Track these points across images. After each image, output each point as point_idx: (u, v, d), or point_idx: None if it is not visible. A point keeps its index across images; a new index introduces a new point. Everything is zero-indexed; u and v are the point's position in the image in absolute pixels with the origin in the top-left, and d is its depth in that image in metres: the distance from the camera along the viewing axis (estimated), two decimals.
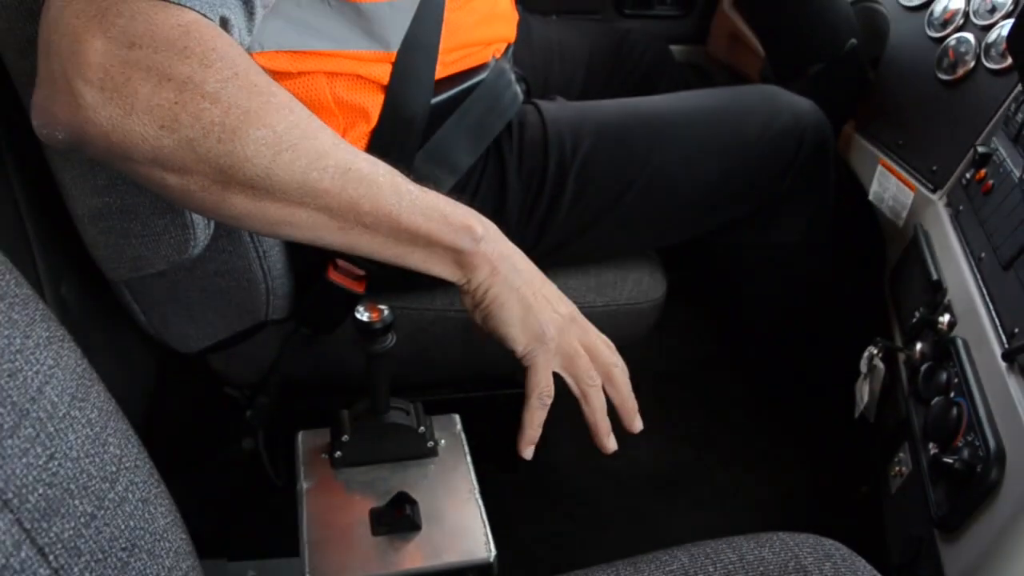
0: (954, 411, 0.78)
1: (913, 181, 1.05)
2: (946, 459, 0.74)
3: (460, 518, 0.80)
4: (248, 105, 0.56)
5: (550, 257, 1.03)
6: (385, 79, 0.86)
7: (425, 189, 0.67)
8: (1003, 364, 0.74)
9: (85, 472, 0.46)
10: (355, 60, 0.84)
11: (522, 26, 1.19)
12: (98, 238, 0.79)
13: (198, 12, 0.56)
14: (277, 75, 0.81)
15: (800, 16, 1.18)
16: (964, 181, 0.94)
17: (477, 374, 1.17)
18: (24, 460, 0.41)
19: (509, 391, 1.17)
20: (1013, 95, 0.92)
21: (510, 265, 0.71)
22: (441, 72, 0.91)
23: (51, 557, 0.42)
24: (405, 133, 0.90)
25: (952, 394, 0.80)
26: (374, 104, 0.87)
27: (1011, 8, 1.00)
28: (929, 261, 0.94)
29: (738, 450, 1.42)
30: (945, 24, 1.08)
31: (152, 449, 0.57)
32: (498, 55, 1.01)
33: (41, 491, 0.42)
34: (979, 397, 0.76)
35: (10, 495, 0.40)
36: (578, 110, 1.04)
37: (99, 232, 0.78)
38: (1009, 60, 0.95)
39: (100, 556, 0.45)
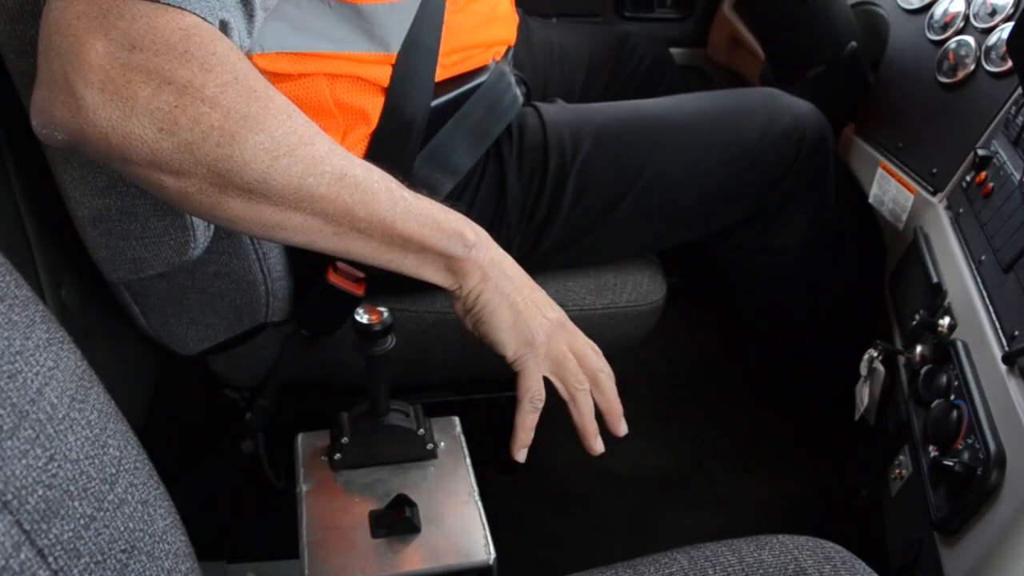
0: (954, 414, 0.78)
1: (913, 184, 1.05)
2: (946, 462, 0.74)
3: (460, 520, 0.80)
4: (247, 110, 0.57)
5: (550, 259, 1.03)
6: (385, 81, 0.86)
7: (419, 195, 0.68)
8: (1003, 367, 0.74)
9: (85, 474, 0.46)
10: (355, 62, 0.84)
11: (522, 29, 1.19)
12: (98, 240, 0.79)
13: (198, 16, 0.56)
14: (277, 77, 0.81)
15: (800, 19, 1.18)
16: (964, 184, 0.94)
17: (477, 376, 1.17)
18: (24, 462, 0.41)
19: (509, 394, 1.16)
20: (1013, 98, 0.92)
21: (500, 271, 0.72)
22: (441, 74, 0.91)
23: (51, 559, 0.42)
24: (405, 135, 0.90)
25: (952, 397, 0.80)
26: (374, 106, 0.87)
27: (1011, 11, 0.99)
28: (929, 264, 0.93)
29: (738, 453, 1.42)
30: (945, 27, 1.08)
31: (152, 451, 0.57)
32: (498, 58, 1.02)
33: (41, 493, 0.42)
34: (979, 400, 0.76)
35: (10, 496, 0.40)
36: (578, 113, 1.04)
37: (99, 234, 0.78)
38: (1009, 63, 0.95)
39: (100, 558, 0.45)
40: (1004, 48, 0.96)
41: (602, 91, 1.30)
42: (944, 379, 0.82)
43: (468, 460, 0.86)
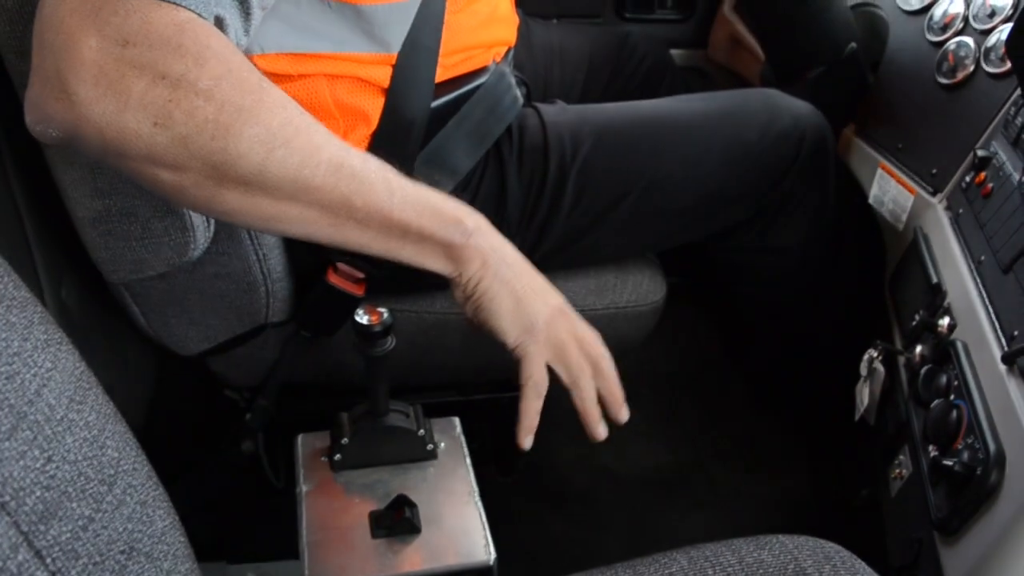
0: (954, 414, 0.78)
1: (913, 184, 1.05)
2: (946, 462, 0.74)
3: (460, 521, 0.80)
4: (241, 102, 0.57)
5: (550, 260, 1.03)
6: (385, 82, 0.87)
7: (417, 184, 0.68)
8: (1003, 367, 0.74)
9: (83, 475, 0.46)
10: (355, 62, 0.84)
11: (523, 30, 1.19)
12: (98, 241, 0.79)
13: (192, 11, 0.56)
14: (277, 78, 0.81)
15: (800, 20, 1.18)
16: (964, 184, 0.94)
17: (477, 377, 1.17)
18: (22, 463, 0.41)
19: (509, 394, 1.17)
20: (1012, 99, 0.92)
21: (500, 258, 0.72)
22: (441, 75, 0.91)
23: (49, 560, 0.42)
24: (405, 136, 0.90)
25: (952, 397, 0.80)
26: (374, 107, 0.87)
27: (1010, 12, 0.99)
28: (929, 264, 0.93)
29: (738, 452, 1.42)
30: (945, 28, 1.08)
31: (152, 452, 0.57)
32: (498, 59, 1.02)
33: (39, 494, 0.42)
34: (979, 400, 0.76)
35: (7, 498, 0.40)
36: (578, 113, 1.04)
37: (99, 235, 0.78)
38: (1008, 64, 0.95)
39: (98, 559, 0.45)
40: (1003, 49, 0.96)
41: (602, 92, 1.30)
42: (944, 379, 0.82)
43: (468, 460, 0.86)
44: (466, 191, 0.98)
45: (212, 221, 0.82)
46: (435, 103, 0.92)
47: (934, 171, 1.02)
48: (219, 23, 0.59)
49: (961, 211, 0.93)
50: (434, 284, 1.04)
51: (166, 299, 0.90)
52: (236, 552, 1.13)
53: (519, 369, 0.74)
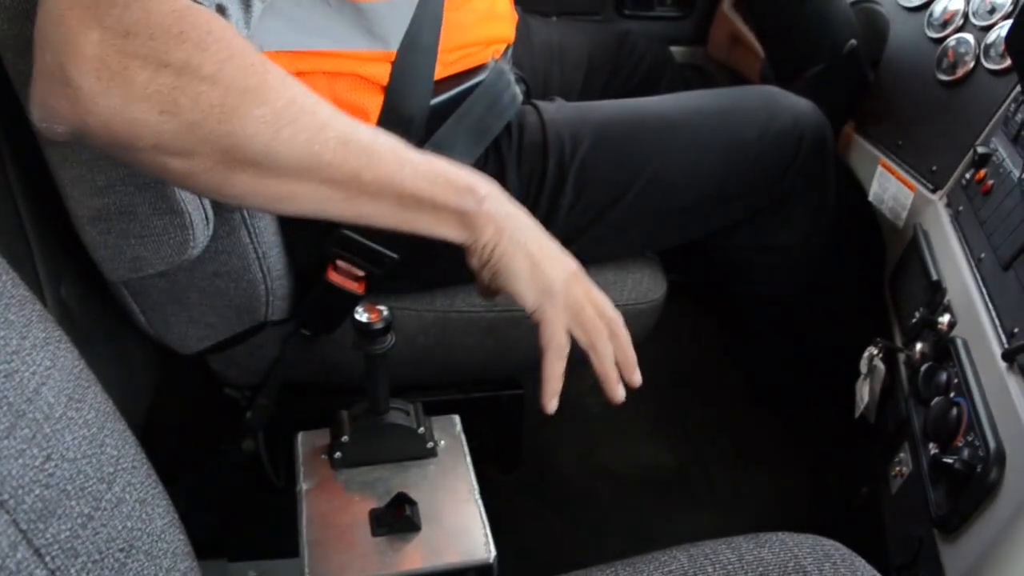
0: (954, 411, 0.78)
1: (913, 181, 1.05)
2: (946, 459, 0.74)
3: (460, 519, 0.80)
4: (246, 84, 0.57)
5: None
6: (385, 79, 0.87)
7: (427, 155, 0.68)
8: (1003, 364, 0.74)
9: (82, 473, 0.46)
10: (355, 59, 0.84)
11: (522, 27, 1.19)
12: (97, 239, 0.79)
13: None
14: None
15: (800, 17, 1.18)
16: (964, 181, 0.94)
17: (477, 375, 1.17)
18: (20, 461, 0.41)
19: (509, 392, 1.17)
20: (1012, 95, 0.92)
21: (514, 223, 0.72)
22: (441, 72, 0.91)
23: (48, 558, 0.42)
24: (404, 133, 0.89)
25: (952, 394, 0.80)
26: (374, 104, 0.87)
27: (1010, 9, 0.99)
28: (929, 261, 0.93)
29: (738, 450, 1.42)
30: (945, 25, 1.08)
31: (152, 450, 0.57)
32: (497, 56, 1.01)
33: (38, 492, 0.42)
34: (979, 397, 0.75)
35: (6, 496, 0.40)
36: (578, 111, 1.04)
37: (98, 233, 0.78)
38: (1008, 61, 0.95)
39: (97, 557, 0.45)
40: (1003, 46, 0.96)
41: (602, 89, 1.30)
42: (944, 376, 0.82)
43: (468, 458, 0.86)
44: None
45: (211, 219, 0.82)
46: (434, 100, 0.92)
47: (934, 168, 1.01)
48: (220, 12, 0.59)
49: (961, 208, 0.93)
50: (434, 282, 1.04)
51: (166, 297, 0.90)
52: (236, 550, 1.13)
53: (539, 333, 0.74)
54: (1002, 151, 0.88)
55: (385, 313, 0.75)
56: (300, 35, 0.80)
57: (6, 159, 0.78)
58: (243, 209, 0.85)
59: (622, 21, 1.55)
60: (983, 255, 0.85)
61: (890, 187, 1.10)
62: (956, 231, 0.93)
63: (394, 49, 0.86)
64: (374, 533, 0.78)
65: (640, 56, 1.33)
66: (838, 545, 0.66)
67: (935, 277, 0.91)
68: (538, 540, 1.27)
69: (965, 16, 1.05)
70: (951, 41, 1.05)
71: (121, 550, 0.47)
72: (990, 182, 0.87)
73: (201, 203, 0.80)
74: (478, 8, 0.96)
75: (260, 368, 1.03)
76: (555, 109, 1.04)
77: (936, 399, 0.81)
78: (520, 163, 0.99)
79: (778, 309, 1.25)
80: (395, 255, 0.91)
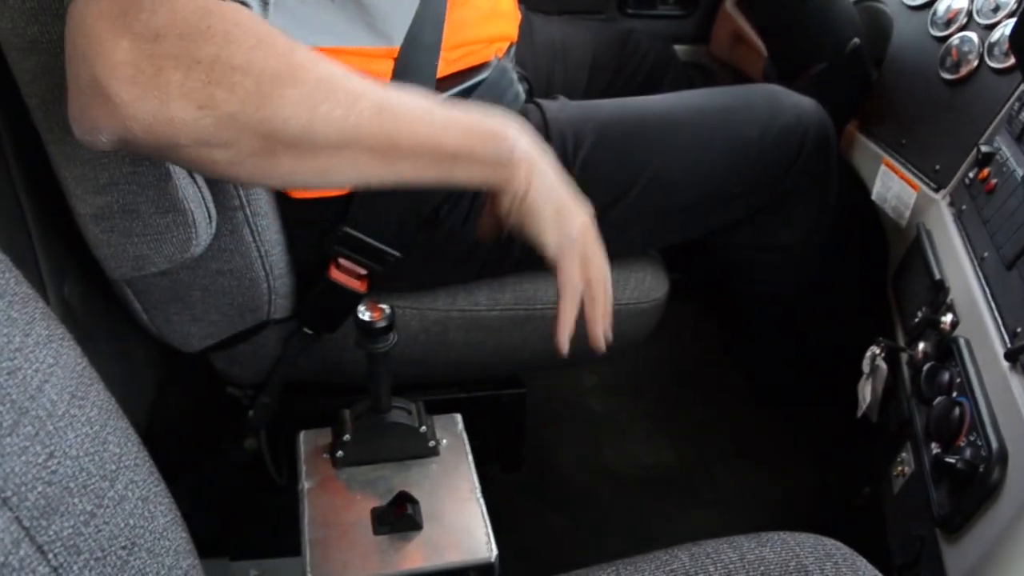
0: (956, 411, 0.77)
1: (916, 180, 1.05)
2: (948, 459, 0.74)
3: (461, 518, 0.80)
4: (276, 69, 0.57)
5: None
6: (387, 76, 0.87)
7: (454, 107, 0.68)
8: (1006, 364, 0.74)
9: (85, 470, 0.46)
10: (358, 56, 0.84)
11: (525, 25, 1.19)
12: (100, 237, 0.79)
13: None
14: None
15: (803, 15, 1.18)
16: (967, 180, 0.94)
17: (479, 374, 1.17)
18: (23, 458, 0.41)
19: (511, 391, 1.17)
20: (1016, 94, 0.92)
21: (542, 169, 0.73)
22: (443, 70, 0.91)
23: (50, 555, 0.42)
24: None
25: (954, 394, 0.80)
26: None
27: (1014, 7, 0.99)
28: (932, 261, 0.93)
29: (740, 450, 1.42)
30: (948, 23, 1.07)
31: (154, 449, 0.57)
32: (500, 54, 1.01)
33: (40, 489, 0.42)
34: (981, 397, 0.75)
35: (9, 493, 0.40)
36: (580, 109, 1.04)
37: (101, 231, 0.78)
38: (1012, 59, 0.95)
39: (100, 554, 0.45)
40: (1007, 44, 0.96)
41: (605, 88, 1.30)
42: (946, 376, 0.82)
43: (470, 457, 0.87)
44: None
45: (214, 217, 0.82)
46: None
47: (937, 167, 1.01)
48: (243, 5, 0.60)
49: (964, 207, 0.93)
50: (437, 281, 1.04)
51: (168, 295, 0.90)
52: (238, 549, 1.13)
53: (558, 275, 0.77)
54: (1006, 150, 0.88)
55: (387, 311, 0.75)
56: (303, 31, 0.80)
57: (9, 157, 0.78)
58: (245, 207, 0.85)
59: (625, 19, 1.55)
60: (986, 254, 0.84)
61: (893, 186, 1.09)
62: (959, 230, 0.92)
63: (397, 45, 0.86)
64: (376, 532, 0.78)
65: (643, 55, 1.33)
66: (840, 545, 0.66)
67: (938, 276, 0.90)
68: (540, 539, 1.27)
69: (969, 14, 1.05)
70: (955, 39, 1.04)
71: (123, 548, 0.47)
72: (994, 181, 0.87)
73: (204, 201, 0.80)
74: (481, 6, 0.96)
75: (262, 367, 1.03)
76: (558, 108, 1.03)
77: (938, 399, 0.81)
78: None
79: (780, 308, 1.24)
80: (397, 253, 0.91)
